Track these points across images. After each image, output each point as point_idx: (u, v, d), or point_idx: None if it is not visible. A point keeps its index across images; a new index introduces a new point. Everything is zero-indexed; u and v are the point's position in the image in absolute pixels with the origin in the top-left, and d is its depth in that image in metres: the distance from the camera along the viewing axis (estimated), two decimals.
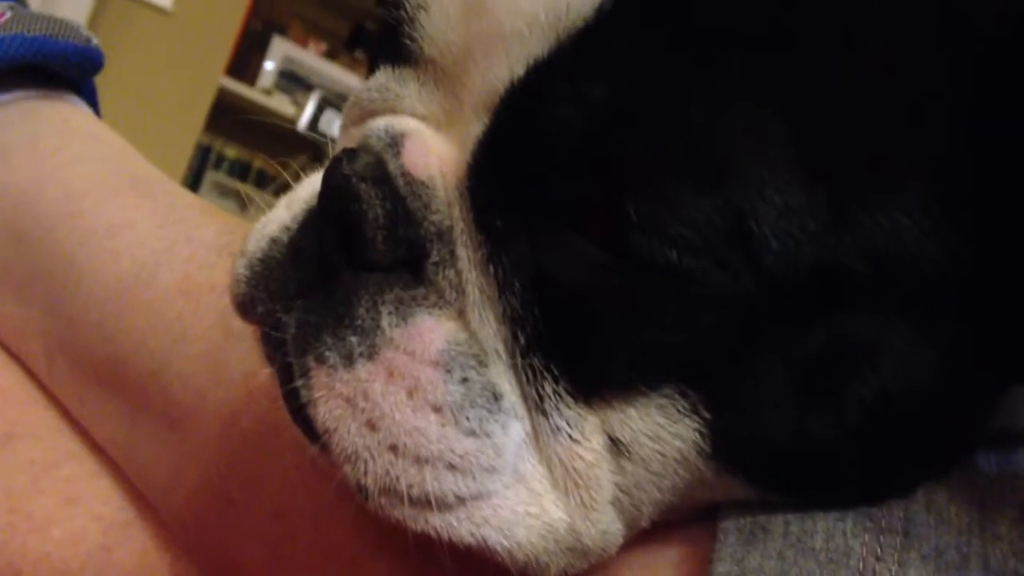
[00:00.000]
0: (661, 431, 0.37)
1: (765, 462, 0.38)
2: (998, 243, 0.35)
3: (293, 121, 3.38)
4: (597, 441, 0.37)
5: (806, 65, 0.33)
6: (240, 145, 3.46)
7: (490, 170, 0.36)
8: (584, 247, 0.35)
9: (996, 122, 0.34)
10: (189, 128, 3.29)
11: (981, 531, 0.37)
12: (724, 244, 0.33)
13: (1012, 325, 0.36)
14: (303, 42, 3.70)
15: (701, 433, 0.37)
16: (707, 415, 0.36)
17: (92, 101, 0.76)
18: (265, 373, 0.55)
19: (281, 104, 3.55)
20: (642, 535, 0.40)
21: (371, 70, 0.42)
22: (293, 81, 3.62)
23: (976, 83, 0.34)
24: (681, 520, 0.41)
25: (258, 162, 3.59)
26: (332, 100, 3.42)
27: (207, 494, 0.53)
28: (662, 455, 0.37)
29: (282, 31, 3.64)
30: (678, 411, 0.36)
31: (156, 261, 0.60)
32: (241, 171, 3.67)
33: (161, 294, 0.59)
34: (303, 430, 0.39)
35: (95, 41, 0.73)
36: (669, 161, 0.33)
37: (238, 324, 0.58)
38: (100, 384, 0.60)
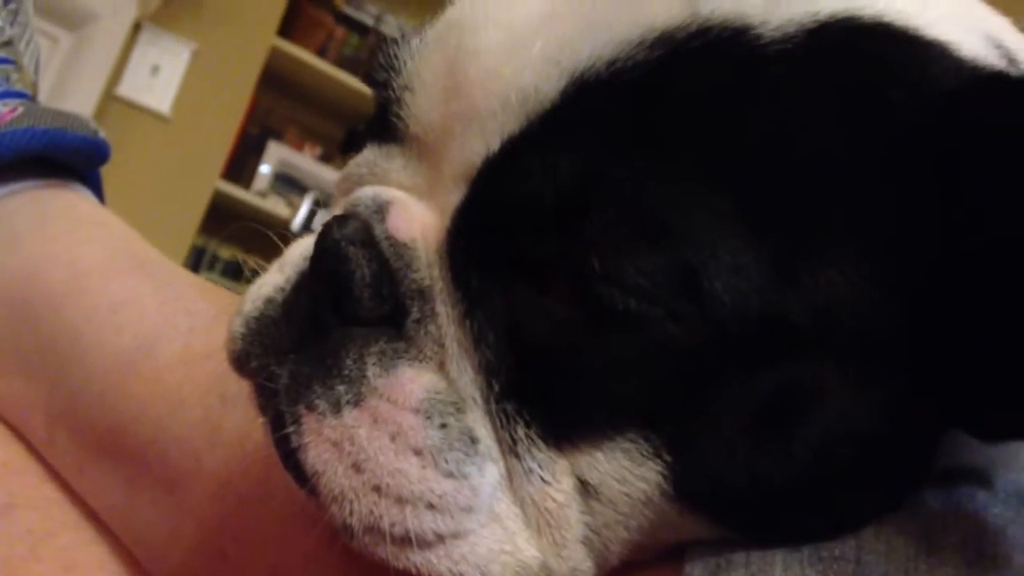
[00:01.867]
0: (627, 474, 0.40)
1: (724, 502, 0.40)
2: (923, 301, 0.38)
3: (287, 222, 3.45)
4: (567, 483, 0.40)
5: (748, 148, 0.37)
6: (234, 246, 3.53)
7: (467, 234, 0.40)
8: (552, 304, 0.38)
9: (912, 195, 0.38)
10: (185, 230, 3.35)
11: (927, 557, 0.39)
12: (678, 295, 0.36)
13: (943, 374, 0.39)
14: (299, 146, 3.79)
15: (664, 475, 0.39)
16: (668, 458, 0.39)
17: (97, 190, 0.80)
18: (259, 434, 0.58)
19: (276, 206, 3.63)
20: (612, 573, 0.43)
21: (359, 149, 0.47)
22: (288, 183, 3.70)
23: (895, 161, 0.38)
24: (650, 559, 0.43)
25: (251, 263, 3.64)
26: (326, 201, 3.49)
27: (202, 552, 0.55)
28: (628, 496, 0.40)
29: (278, 136, 3.74)
30: (642, 455, 0.39)
31: (157, 334, 0.63)
32: (235, 272, 3.72)
33: (161, 365, 0.62)
34: (293, 475, 0.42)
35: (102, 134, 0.78)
36: (629, 224, 0.36)
37: (234, 390, 0.61)
38: (101, 453, 0.62)
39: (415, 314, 0.41)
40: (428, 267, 0.41)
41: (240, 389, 0.62)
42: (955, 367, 0.39)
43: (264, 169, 3.70)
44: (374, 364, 0.40)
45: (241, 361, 0.44)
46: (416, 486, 0.39)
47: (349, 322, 0.41)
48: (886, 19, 0.39)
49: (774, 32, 0.38)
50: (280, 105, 3.77)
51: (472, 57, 0.41)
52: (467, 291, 0.40)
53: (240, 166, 3.62)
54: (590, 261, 0.36)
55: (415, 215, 0.42)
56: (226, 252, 3.65)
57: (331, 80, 3.60)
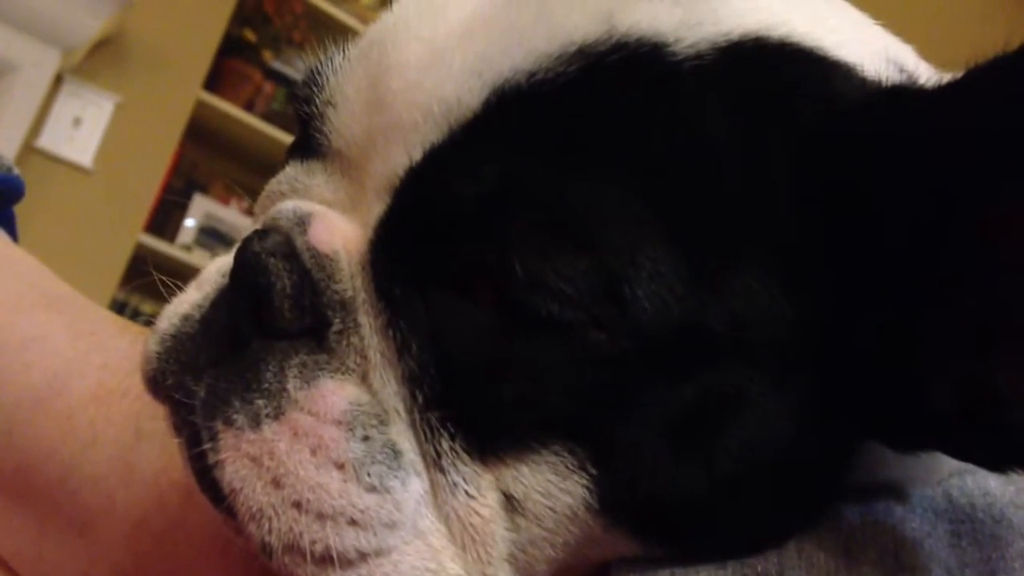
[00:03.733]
0: (551, 487, 0.39)
1: (647, 515, 0.40)
2: (831, 308, 0.39)
3: None
4: (492, 498, 0.40)
5: (664, 158, 0.38)
6: (157, 300, 3.45)
7: (389, 243, 0.40)
8: (475, 310, 0.38)
9: (818, 203, 0.39)
10: (105, 285, 3.28)
11: (847, 572, 0.40)
12: (599, 301, 0.37)
13: (856, 385, 0.40)
14: (225, 200, 3.75)
15: (588, 489, 0.39)
16: (593, 471, 0.39)
17: (10, 228, 0.78)
18: (176, 471, 0.57)
19: (201, 259, 3.57)
20: None
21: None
22: (214, 237, 3.65)
23: (800, 171, 0.39)
24: None
25: None
26: None
27: None
28: (553, 511, 0.40)
29: (204, 189, 3.70)
30: (567, 467, 0.39)
31: (69, 371, 0.61)
32: None
33: (74, 402, 0.60)
34: (209, 495, 0.41)
35: (16, 171, 0.76)
36: (550, 229, 0.37)
37: (150, 426, 0.60)
38: (6, 496, 0.60)
39: (337, 325, 0.40)
40: (350, 278, 0.41)
41: (157, 426, 0.61)
42: (862, 376, 0.40)
43: (189, 223, 3.65)
44: (295, 377, 0.40)
45: (157, 380, 0.43)
46: (337, 501, 0.38)
47: (269, 336, 0.40)
48: (793, 39, 0.40)
49: (688, 50, 0.39)
50: (206, 159, 3.73)
51: (394, 71, 0.41)
52: (390, 300, 0.40)
53: (164, 220, 3.57)
54: (512, 265, 0.37)
55: (337, 227, 0.42)
56: (148, 307, 3.58)
57: (258, 134, 3.58)
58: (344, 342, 0.40)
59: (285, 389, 0.39)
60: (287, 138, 3.40)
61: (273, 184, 0.46)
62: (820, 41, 0.40)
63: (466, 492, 0.40)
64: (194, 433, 0.41)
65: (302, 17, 3.69)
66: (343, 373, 0.40)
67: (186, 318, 0.43)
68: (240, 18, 3.57)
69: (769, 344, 0.39)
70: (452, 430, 0.39)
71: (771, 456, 0.40)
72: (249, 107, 3.66)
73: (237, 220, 3.72)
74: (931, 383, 0.38)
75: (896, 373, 0.39)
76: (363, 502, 0.39)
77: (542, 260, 0.36)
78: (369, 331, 0.40)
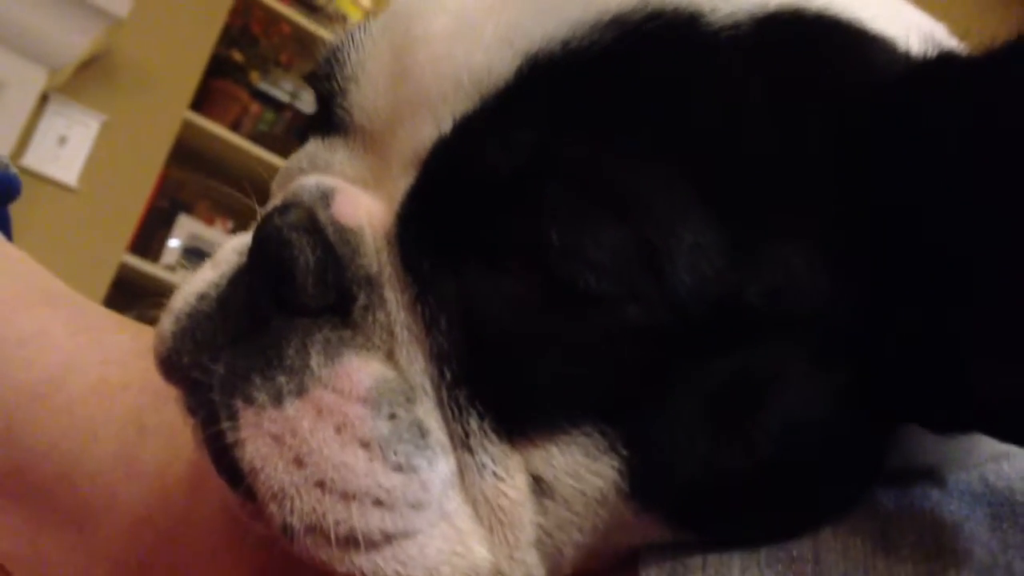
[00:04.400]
0: (582, 470, 0.38)
1: (680, 499, 0.39)
2: (874, 282, 0.38)
3: None
4: (520, 480, 0.39)
5: (703, 128, 0.37)
6: (140, 321, 3.42)
7: (418, 215, 0.39)
8: (508, 283, 0.37)
9: (863, 176, 0.38)
10: None
11: (885, 555, 0.38)
12: (638, 273, 0.36)
13: (898, 364, 0.39)
14: (210, 220, 3.73)
15: (619, 471, 0.38)
16: (624, 452, 0.38)
17: (6, 228, 0.77)
18: (181, 465, 0.55)
19: (185, 280, 3.54)
20: None
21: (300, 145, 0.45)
22: (198, 257, 3.61)
23: (846, 143, 0.38)
24: (603, 568, 0.42)
25: None
26: None
27: None
28: (583, 494, 0.39)
29: (189, 209, 3.67)
30: (597, 449, 0.38)
31: (68, 366, 0.60)
32: None
33: (74, 397, 0.59)
34: (227, 477, 0.39)
35: (13, 170, 0.75)
36: (587, 198, 0.36)
37: (153, 420, 0.58)
38: (3, 495, 0.58)
39: (362, 300, 0.39)
40: (376, 253, 0.40)
41: (160, 420, 0.59)
42: (904, 354, 0.39)
43: (173, 243, 3.62)
44: (318, 353, 0.38)
45: (171, 361, 0.42)
46: (363, 480, 0.37)
47: (291, 313, 0.39)
48: (831, 12, 0.40)
49: (725, 19, 0.38)
50: (192, 179, 3.71)
51: (421, 42, 0.40)
52: (418, 274, 0.39)
53: (148, 239, 3.54)
54: (548, 235, 0.36)
55: (361, 202, 0.40)
56: None
57: (245, 154, 3.57)
58: (370, 318, 0.39)
59: (308, 366, 0.38)
60: (274, 158, 3.39)
61: (292, 161, 0.45)
62: (857, 14, 0.40)
63: (494, 473, 0.38)
64: (211, 413, 0.39)
65: (290, 38, 3.69)
66: (368, 350, 0.39)
67: (202, 297, 0.42)
68: (227, 39, 3.56)
69: (809, 320, 0.38)
70: (481, 409, 0.38)
71: (810, 437, 0.39)
72: (236, 127, 3.65)
73: (222, 241, 3.69)
74: (978, 363, 0.37)
75: (941, 352, 0.38)
76: (389, 482, 0.37)
77: (579, 230, 0.36)
78: (396, 306, 0.39)
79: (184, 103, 3.45)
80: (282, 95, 3.79)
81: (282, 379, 0.38)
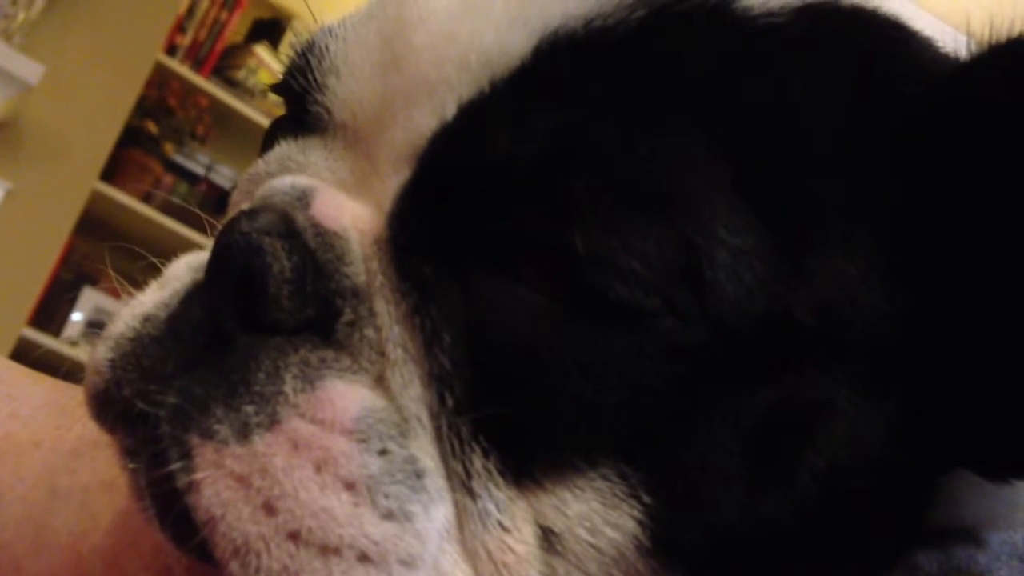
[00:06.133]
0: (597, 520, 0.33)
1: (708, 554, 0.34)
2: (934, 296, 0.34)
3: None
4: (528, 532, 0.33)
5: (744, 119, 0.33)
6: None
7: (415, 214, 0.33)
8: (523, 293, 0.32)
9: (924, 177, 0.34)
10: None
11: None
12: (675, 282, 0.31)
13: (954, 393, 0.35)
14: (116, 294, 3.59)
15: (640, 522, 0.33)
16: (647, 499, 0.33)
17: None
18: (97, 536, 0.48)
19: (87, 355, 3.38)
20: None
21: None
22: (102, 330, 3.47)
23: (903, 141, 0.34)
24: None
25: None
26: None
27: None
28: (597, 550, 0.33)
29: (94, 282, 3.52)
30: (616, 496, 0.33)
31: None
32: None
33: None
34: (173, 531, 0.33)
35: None
36: (617, 193, 0.31)
37: (67, 482, 0.51)
38: None
39: (348, 315, 0.33)
40: (363, 261, 0.34)
41: (76, 481, 0.51)
42: (961, 381, 0.34)
43: (76, 316, 3.46)
44: (294, 377, 0.32)
45: (109, 394, 0.35)
46: (346, 530, 0.31)
47: (261, 330, 0.33)
48: (870, 6, 0.36)
49: (760, 6, 0.34)
50: (99, 250, 3.57)
51: (417, 25, 0.35)
52: (417, 282, 0.33)
53: (50, 313, 3.38)
54: (572, 236, 0.30)
55: (344, 204, 0.35)
56: None
57: (155, 226, 3.46)
58: (356, 335, 0.33)
59: (282, 392, 0.32)
60: (186, 231, 3.29)
61: (259, 165, 0.39)
62: (895, 10, 0.37)
63: (499, 523, 0.32)
64: (157, 453, 0.33)
65: (206, 111, 3.62)
66: (354, 373, 0.33)
67: (148, 319, 0.35)
68: (142, 109, 3.47)
69: (860, 343, 0.33)
70: (486, 444, 0.32)
71: (857, 480, 0.34)
72: (147, 199, 3.54)
73: None
74: None
75: (1005, 379, 0.33)
76: (378, 532, 0.31)
77: (608, 231, 0.30)
78: (388, 321, 0.33)
79: (94, 173, 3.34)
80: (197, 167, 3.71)
81: (249, 409, 0.32)
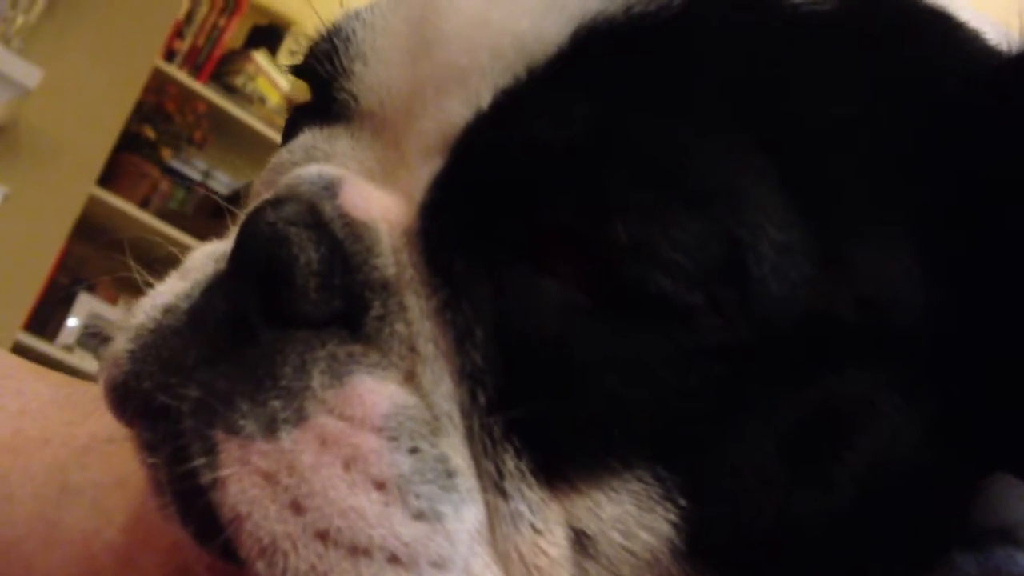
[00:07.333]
0: (631, 522, 0.32)
1: (743, 558, 0.33)
2: (978, 294, 0.33)
3: (95, 377, 3.19)
4: (560, 534, 0.32)
5: (787, 109, 0.32)
6: None
7: (447, 206, 0.32)
8: (557, 288, 0.31)
9: (967, 173, 0.33)
10: None
11: None
12: (719, 278, 0.30)
13: (993, 397, 0.34)
14: (112, 299, 3.57)
15: (675, 525, 0.32)
16: (683, 502, 0.32)
17: None
18: (110, 532, 0.46)
19: (82, 360, 3.35)
20: None
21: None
22: (98, 338, 3.45)
23: (946, 136, 0.33)
24: None
25: None
26: None
27: None
28: (631, 554, 0.32)
29: (91, 287, 3.51)
30: (651, 498, 0.32)
31: None
32: None
33: None
34: (196, 529, 0.31)
35: None
36: (659, 183, 0.30)
37: (78, 478, 0.49)
38: None
39: (377, 309, 0.32)
40: (393, 253, 0.33)
41: (86, 479, 0.50)
42: (1004, 388, 0.34)
43: (72, 322, 3.44)
44: (322, 372, 0.31)
45: (128, 387, 0.34)
46: (376, 530, 0.30)
47: (286, 324, 0.32)
48: None
49: None
50: (95, 255, 3.56)
51: (448, 12, 0.34)
52: (448, 276, 0.32)
53: (45, 318, 3.36)
54: (613, 228, 0.29)
55: (372, 194, 0.34)
56: None
57: (153, 231, 3.44)
58: (386, 330, 0.32)
59: (309, 387, 0.31)
60: (183, 236, 3.28)
61: (282, 154, 0.38)
62: (942, 1, 0.36)
63: (532, 525, 0.31)
64: (180, 448, 0.31)
65: (205, 117, 3.61)
66: (384, 369, 0.32)
67: (169, 310, 0.34)
68: (140, 114, 3.46)
69: (902, 339, 0.32)
70: (519, 444, 0.31)
71: (896, 482, 0.33)
72: (144, 204, 3.53)
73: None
74: None
75: None
76: (408, 532, 0.30)
77: (651, 222, 0.29)
78: (419, 315, 0.32)
79: (91, 178, 3.32)
80: (194, 173, 3.70)
81: (276, 404, 0.31)
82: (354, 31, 0.36)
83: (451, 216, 0.32)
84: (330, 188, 0.33)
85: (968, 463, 0.35)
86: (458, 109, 0.33)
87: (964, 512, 0.36)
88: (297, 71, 0.39)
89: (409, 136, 0.34)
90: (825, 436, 0.32)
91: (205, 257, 0.36)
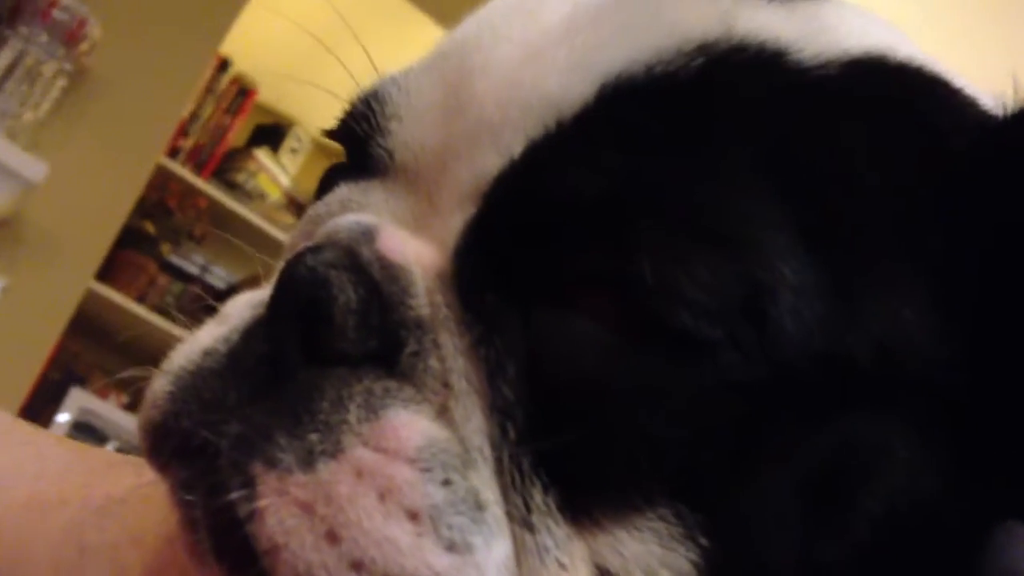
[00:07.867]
0: (654, 561, 0.32)
1: None
2: (989, 342, 0.35)
3: None
4: (584, 571, 0.32)
5: (802, 164, 0.34)
6: None
7: (480, 249, 0.34)
8: (586, 328, 0.32)
9: (974, 231, 0.35)
10: None
11: None
12: (739, 316, 0.31)
13: (1003, 443, 0.35)
14: (104, 394, 3.55)
15: (696, 565, 0.33)
16: (704, 541, 0.32)
17: None
18: None
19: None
20: None
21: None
22: (87, 432, 3.42)
23: (953, 190, 0.35)
24: None
25: None
26: (129, 450, 3.20)
27: None
28: None
29: (82, 382, 3.49)
30: (673, 537, 0.32)
31: None
32: None
33: (2, 513, 0.50)
34: (232, 561, 0.32)
35: None
36: (683, 228, 0.32)
37: (96, 539, 0.50)
38: None
39: (412, 347, 0.33)
40: (427, 294, 0.34)
41: (103, 540, 0.51)
42: (1016, 427, 0.35)
43: (62, 418, 3.42)
44: (358, 407, 0.32)
45: (166, 427, 0.35)
46: (409, 560, 0.30)
47: (324, 363, 0.33)
48: (915, 63, 0.38)
49: (812, 59, 0.36)
50: (89, 350, 3.55)
51: (481, 73, 0.36)
52: (481, 314, 0.33)
53: (35, 414, 3.34)
54: (641, 269, 0.31)
55: (407, 240, 0.35)
56: None
57: (147, 326, 3.45)
58: (420, 366, 0.33)
59: (345, 421, 0.32)
60: (176, 330, 3.29)
61: (319, 207, 0.39)
62: (938, 67, 0.38)
63: (558, 560, 0.32)
64: (216, 484, 0.32)
65: (205, 212, 3.65)
66: (417, 403, 0.33)
67: (208, 353, 0.35)
68: (141, 210, 3.51)
69: (915, 385, 0.34)
70: (546, 479, 0.32)
71: (912, 527, 0.34)
72: (141, 299, 3.54)
73: (115, 416, 3.51)
74: None
75: None
76: (440, 563, 0.31)
77: (674, 263, 0.31)
78: (452, 352, 0.33)
79: (89, 272, 3.34)
80: (192, 268, 3.72)
81: (314, 437, 0.32)
82: (390, 93, 0.39)
83: (484, 258, 0.34)
84: (367, 234, 0.35)
85: (982, 508, 0.36)
86: (490, 159, 0.35)
87: (979, 555, 0.37)
88: (333, 134, 0.41)
89: (442, 187, 0.36)
90: (843, 478, 0.33)
91: (243, 304, 0.37)
